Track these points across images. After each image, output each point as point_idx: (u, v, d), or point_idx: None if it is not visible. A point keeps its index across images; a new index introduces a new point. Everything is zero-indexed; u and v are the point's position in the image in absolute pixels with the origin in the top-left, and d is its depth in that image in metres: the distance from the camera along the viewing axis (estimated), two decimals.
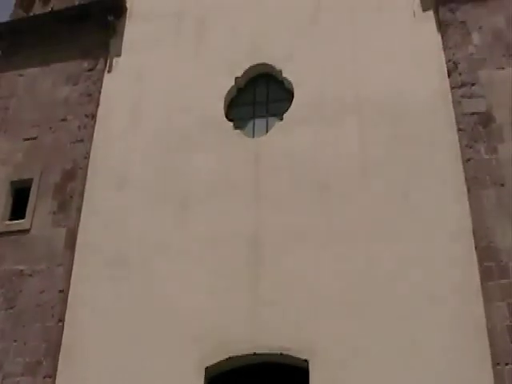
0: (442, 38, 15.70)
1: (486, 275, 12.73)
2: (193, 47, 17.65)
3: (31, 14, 19.94)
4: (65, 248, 15.46)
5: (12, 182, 16.80)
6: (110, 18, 18.44)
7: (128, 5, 18.94)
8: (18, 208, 16.43)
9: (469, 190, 13.65)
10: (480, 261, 12.94)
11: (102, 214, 15.80)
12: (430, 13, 16.21)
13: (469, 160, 13.94)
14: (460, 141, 14.26)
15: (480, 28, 15.59)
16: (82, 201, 16.08)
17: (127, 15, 18.83)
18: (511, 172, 13.55)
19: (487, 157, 13.87)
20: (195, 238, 14.82)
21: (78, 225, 15.79)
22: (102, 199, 16.00)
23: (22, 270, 15.41)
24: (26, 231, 15.95)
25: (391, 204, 14.07)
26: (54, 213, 16.00)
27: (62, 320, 14.68)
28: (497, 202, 13.30)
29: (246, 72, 16.88)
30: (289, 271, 13.95)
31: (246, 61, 16.94)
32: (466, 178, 13.81)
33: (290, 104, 16.11)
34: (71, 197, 16.10)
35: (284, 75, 16.49)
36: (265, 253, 14.31)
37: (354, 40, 16.40)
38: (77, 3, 19.51)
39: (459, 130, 14.38)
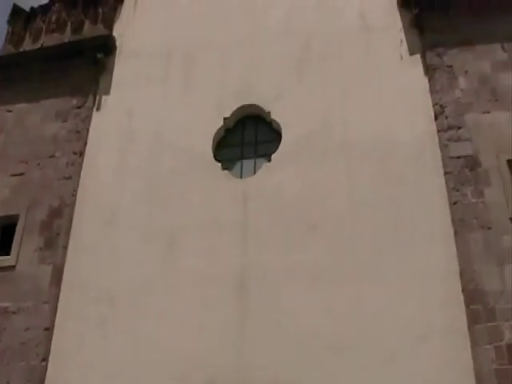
0: (429, 81, 15.89)
1: (473, 318, 12.74)
2: (182, 86, 17.74)
3: (21, 49, 20.00)
4: (51, 285, 15.34)
5: None
6: (100, 55, 18.56)
7: (118, 43, 19.09)
8: (4, 244, 16.31)
9: (456, 233, 13.72)
10: (467, 303, 12.95)
11: (88, 251, 15.73)
12: (417, 56, 16.41)
13: (455, 203, 14.03)
14: (447, 184, 14.35)
15: (466, 72, 15.80)
16: (69, 238, 16.02)
17: (117, 53, 18.95)
18: (498, 215, 13.66)
19: (474, 200, 13.97)
20: (183, 277, 14.79)
21: (64, 262, 15.70)
22: (89, 236, 15.96)
23: (6, 307, 15.25)
24: (12, 268, 15.82)
25: (379, 244, 14.10)
26: (41, 249, 15.91)
27: (46, 359, 14.53)
28: (484, 245, 13.37)
29: (234, 113, 16.96)
30: (276, 311, 13.91)
31: (235, 101, 17.03)
32: (452, 221, 13.88)
33: (278, 145, 16.18)
34: (58, 234, 16.03)
35: (272, 117, 16.58)
36: (252, 292, 14.28)
37: (342, 81, 16.53)
38: (67, 40, 19.63)
39: (446, 173, 14.48)
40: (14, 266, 15.84)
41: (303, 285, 14.06)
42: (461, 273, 13.29)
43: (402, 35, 16.85)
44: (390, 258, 13.88)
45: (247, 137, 17.04)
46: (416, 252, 13.80)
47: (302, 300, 13.88)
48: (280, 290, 14.11)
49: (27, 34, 20.37)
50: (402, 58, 16.52)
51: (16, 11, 20.74)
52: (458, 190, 14.16)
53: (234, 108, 16.98)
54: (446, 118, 15.16)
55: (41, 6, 20.76)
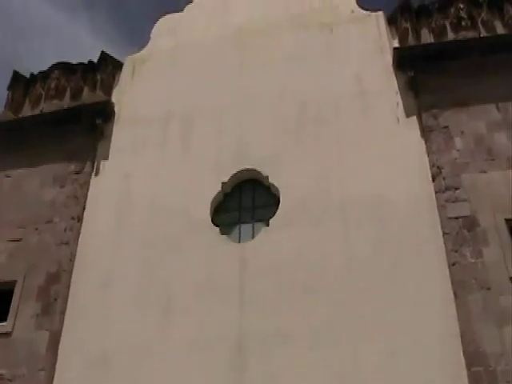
0: (426, 142, 16.00)
1: (474, 380, 12.56)
2: (179, 151, 17.84)
3: (20, 115, 20.19)
4: (47, 352, 15.20)
5: None
6: (98, 121, 18.73)
7: (116, 108, 19.26)
8: (1, 310, 16.13)
9: (455, 294, 13.61)
10: (468, 365, 12.78)
11: (86, 317, 15.60)
12: (414, 118, 16.56)
13: (454, 264, 13.98)
14: (445, 244, 14.32)
15: (462, 133, 15.94)
16: (66, 304, 15.91)
17: (115, 119, 19.11)
18: (497, 275, 13.58)
19: (473, 260, 13.92)
20: (179, 341, 14.62)
21: (61, 328, 15.57)
22: (86, 302, 15.82)
23: (1, 375, 15.06)
24: (8, 334, 15.68)
25: (377, 307, 13.95)
26: (38, 316, 15.79)
27: None
28: (483, 306, 13.27)
29: (232, 177, 16.99)
30: (274, 376, 13.72)
31: (233, 166, 17.07)
32: (452, 282, 13.80)
33: (276, 209, 16.17)
34: (55, 299, 15.92)
35: (270, 181, 16.61)
36: (249, 358, 14.09)
37: (339, 144, 16.62)
38: (65, 106, 19.82)
39: (444, 233, 14.47)
40: (10, 333, 15.67)
41: (301, 349, 13.86)
42: (461, 334, 13.13)
43: (398, 98, 17.03)
44: (389, 321, 13.70)
45: (245, 201, 17.04)
46: (416, 314, 13.62)
47: (300, 365, 13.66)
48: (277, 355, 13.91)
49: (27, 100, 20.65)
50: (398, 120, 16.63)
51: (16, 77, 21.00)
52: (456, 251, 14.13)
53: (232, 173, 17.01)
54: (444, 178, 15.22)
55: (40, 73, 21.05)
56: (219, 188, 16.89)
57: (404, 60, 17.39)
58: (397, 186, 15.49)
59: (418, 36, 18.44)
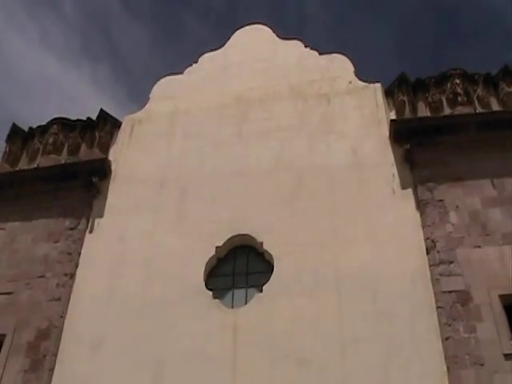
0: (421, 215, 16.16)
1: None
2: (174, 214, 17.86)
3: (17, 168, 20.26)
4: None
5: None
6: (95, 179, 18.73)
7: (113, 167, 19.31)
8: None
9: (448, 369, 13.58)
10: None
11: (74, 376, 15.36)
12: (409, 191, 16.75)
13: (448, 338, 13.99)
14: (439, 319, 14.35)
15: (457, 207, 16.14)
16: (55, 361, 15.69)
17: (111, 178, 19.14)
18: (490, 351, 13.58)
19: (466, 336, 13.94)
20: None
21: None
22: (75, 361, 15.62)
23: None
24: None
25: (370, 381, 13.85)
26: (25, 371, 15.54)
27: None
28: (476, 382, 13.21)
29: (226, 242, 16.99)
30: None
31: (228, 231, 17.08)
32: (445, 357, 13.77)
33: (270, 276, 16.16)
34: (44, 356, 15.71)
35: (265, 247, 16.63)
36: None
37: (334, 215, 16.73)
38: (62, 162, 19.91)
39: (438, 307, 14.51)
40: None
41: None
42: None
43: (394, 170, 17.23)
44: None
45: (239, 266, 17.00)
46: None
47: None
48: None
49: (24, 154, 20.75)
50: (394, 192, 16.80)
51: (14, 130, 21.12)
52: (450, 325, 14.16)
53: (227, 237, 17.00)
54: (438, 252, 15.34)
55: (39, 127, 21.16)
56: (213, 252, 16.88)
57: (400, 133, 17.64)
58: (391, 259, 15.58)
59: (414, 109, 18.84)
